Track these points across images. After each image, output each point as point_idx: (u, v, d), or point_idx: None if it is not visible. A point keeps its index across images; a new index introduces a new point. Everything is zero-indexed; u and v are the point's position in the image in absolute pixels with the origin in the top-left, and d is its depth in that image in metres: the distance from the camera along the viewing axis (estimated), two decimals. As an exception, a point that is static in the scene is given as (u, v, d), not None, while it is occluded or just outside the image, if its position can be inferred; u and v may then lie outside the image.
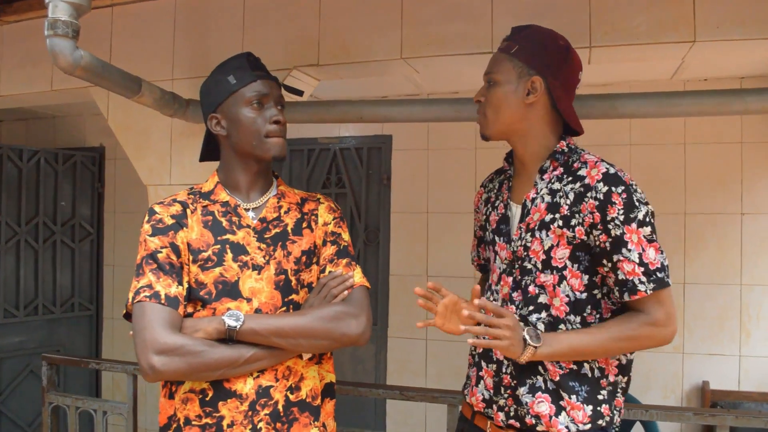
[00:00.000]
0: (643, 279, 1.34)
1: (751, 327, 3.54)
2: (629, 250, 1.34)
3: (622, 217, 1.33)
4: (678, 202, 3.59)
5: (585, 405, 1.39)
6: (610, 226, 1.34)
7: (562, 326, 1.41)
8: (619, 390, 1.45)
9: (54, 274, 4.34)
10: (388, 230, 4.12)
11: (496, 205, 1.59)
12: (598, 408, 1.40)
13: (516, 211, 1.52)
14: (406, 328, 4.02)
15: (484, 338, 1.35)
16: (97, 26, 2.34)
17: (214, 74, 1.54)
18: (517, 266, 1.48)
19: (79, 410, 2.59)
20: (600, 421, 1.41)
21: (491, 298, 1.54)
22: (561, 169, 1.46)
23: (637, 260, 1.34)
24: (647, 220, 1.35)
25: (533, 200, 1.46)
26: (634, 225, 1.34)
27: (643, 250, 1.34)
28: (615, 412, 1.44)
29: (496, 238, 1.55)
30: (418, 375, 4.01)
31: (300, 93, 1.66)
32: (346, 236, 1.59)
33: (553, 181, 1.45)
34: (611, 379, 1.44)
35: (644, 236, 1.35)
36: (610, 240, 1.35)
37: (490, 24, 2.02)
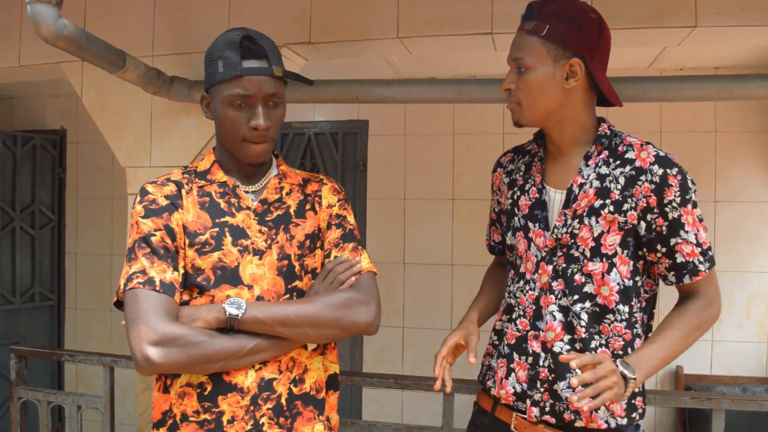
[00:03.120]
0: (702, 259, 1.34)
1: (723, 313, 3.54)
2: (686, 232, 1.32)
3: (678, 200, 1.31)
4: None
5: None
6: (667, 209, 1.31)
7: (609, 316, 1.37)
8: (644, 384, 1.42)
9: (13, 263, 4.16)
10: (364, 217, 4.06)
11: (527, 189, 1.49)
12: (633, 401, 1.38)
13: (555, 196, 1.44)
14: (382, 316, 3.94)
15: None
16: (70, -2, 2.21)
17: (212, 48, 1.38)
18: (560, 254, 1.41)
19: (51, 405, 2.46)
20: (634, 414, 1.38)
21: (526, 288, 1.47)
22: (606, 152, 1.40)
23: (695, 241, 1.33)
24: (696, 200, 1.34)
25: (581, 186, 1.39)
26: (689, 206, 1.32)
27: (698, 230, 1.33)
28: (645, 405, 1.42)
29: (530, 224, 1.46)
30: (395, 363, 3.98)
31: (310, 83, 1.53)
32: (351, 219, 1.50)
33: (599, 165, 1.39)
34: None
35: (697, 216, 1.33)
36: (667, 223, 1.32)
37: (489, 4, 1.97)
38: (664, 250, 1.34)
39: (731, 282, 3.60)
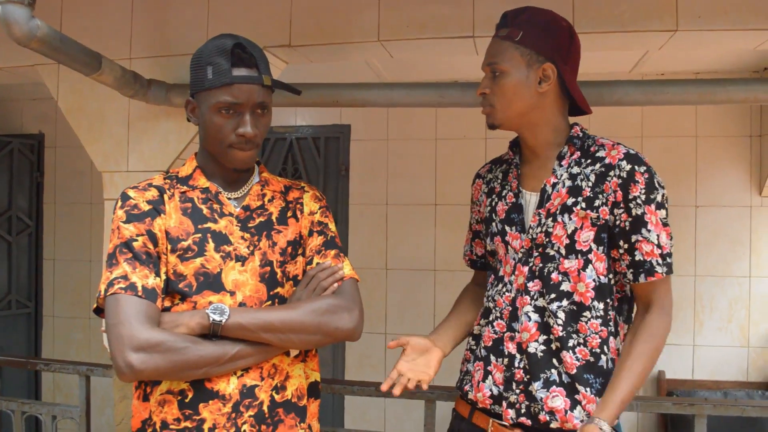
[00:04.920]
0: (660, 261, 1.34)
1: (704, 317, 3.63)
2: (648, 231, 1.34)
3: (643, 197, 1.33)
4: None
5: (598, 397, 1.37)
6: (631, 205, 1.34)
7: (586, 313, 1.38)
8: None
9: (-11, 270, 4.07)
10: (346, 222, 4.03)
11: (503, 194, 1.53)
12: None
13: (530, 198, 1.48)
14: (365, 322, 3.92)
15: None
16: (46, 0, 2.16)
17: (200, 53, 1.37)
18: (536, 254, 1.43)
19: (25, 415, 2.40)
20: None
21: (503, 290, 1.49)
22: (578, 153, 1.44)
23: (656, 242, 1.34)
24: (664, 203, 1.36)
25: (554, 185, 1.42)
26: (653, 206, 1.34)
27: (661, 233, 1.35)
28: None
29: (507, 228, 1.49)
30: (377, 369, 3.95)
31: (298, 92, 1.53)
32: (332, 226, 1.51)
33: (571, 165, 1.43)
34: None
35: (661, 219, 1.35)
36: (630, 219, 1.34)
37: (471, 8, 1.96)
38: (626, 246, 1.36)
39: (713, 286, 3.62)
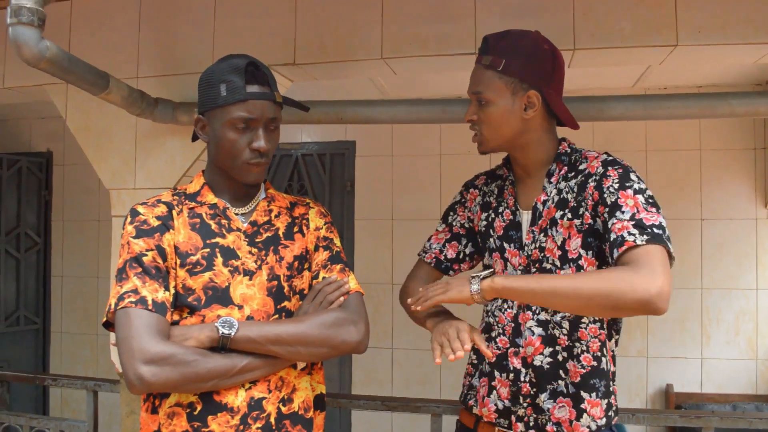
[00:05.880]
0: (634, 231, 1.24)
1: (711, 330, 3.62)
2: (623, 212, 1.28)
3: (616, 185, 1.33)
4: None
5: (602, 400, 1.40)
6: (605, 195, 1.33)
7: (584, 320, 1.41)
8: (614, 382, 1.48)
9: (-3, 286, 4.10)
10: (352, 238, 4.05)
11: (500, 211, 1.55)
12: (609, 399, 1.42)
13: (524, 216, 1.50)
14: (371, 337, 3.91)
15: None
16: (55, 19, 2.19)
17: (211, 70, 1.41)
18: (534, 270, 1.45)
19: (33, 430, 2.42)
20: (610, 412, 1.43)
21: (504, 307, 1.50)
22: (566, 168, 1.46)
23: (628, 218, 1.26)
24: (645, 192, 1.32)
25: (544, 203, 1.45)
26: (629, 191, 1.31)
27: (638, 210, 1.27)
28: (617, 403, 1.48)
29: (506, 245, 1.51)
30: (383, 384, 3.95)
31: (306, 109, 1.57)
32: (337, 241, 1.54)
33: (560, 181, 1.45)
34: (612, 368, 1.46)
35: (641, 201, 1.29)
36: (607, 209, 1.32)
37: (473, 24, 1.99)
38: (606, 235, 1.32)
39: (720, 299, 3.61)
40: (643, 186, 1.33)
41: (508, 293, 1.32)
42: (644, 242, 1.21)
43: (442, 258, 1.67)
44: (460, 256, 1.66)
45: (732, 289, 3.61)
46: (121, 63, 2.25)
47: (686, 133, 3.65)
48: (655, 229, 1.23)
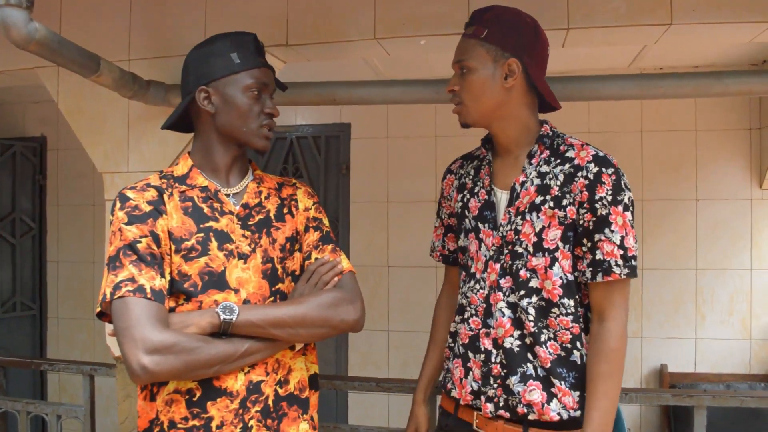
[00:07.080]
0: (620, 262, 1.36)
1: (706, 310, 3.64)
2: (612, 231, 1.36)
3: (610, 198, 1.36)
4: (635, 189, 3.60)
5: (573, 391, 1.40)
6: (597, 206, 1.36)
7: (554, 310, 1.41)
8: None
9: (-7, 272, 4.09)
10: (347, 220, 4.05)
11: (476, 191, 1.55)
12: (584, 393, 1.41)
13: (502, 196, 1.50)
14: (367, 319, 3.92)
15: None
16: (45, 2, 2.17)
17: (213, 45, 1.43)
18: (506, 251, 1.46)
19: (30, 415, 2.43)
20: None
21: (477, 287, 1.51)
22: (548, 152, 1.47)
23: (618, 242, 1.36)
24: (630, 206, 1.38)
25: (523, 184, 1.45)
26: (620, 207, 1.36)
27: (626, 234, 1.36)
28: None
29: (480, 225, 1.52)
30: (380, 366, 3.97)
31: (284, 88, 1.59)
32: (326, 221, 1.55)
33: (540, 164, 1.46)
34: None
35: (628, 221, 1.37)
36: (594, 219, 1.37)
37: (467, 4, 1.97)
38: (589, 245, 1.39)
39: (714, 280, 3.63)
40: (630, 195, 1.39)
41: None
42: (622, 276, 1.36)
43: (447, 252, 1.73)
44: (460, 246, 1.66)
45: (726, 269, 3.62)
46: (112, 45, 2.23)
47: (682, 114, 3.64)
48: (633, 261, 1.37)
